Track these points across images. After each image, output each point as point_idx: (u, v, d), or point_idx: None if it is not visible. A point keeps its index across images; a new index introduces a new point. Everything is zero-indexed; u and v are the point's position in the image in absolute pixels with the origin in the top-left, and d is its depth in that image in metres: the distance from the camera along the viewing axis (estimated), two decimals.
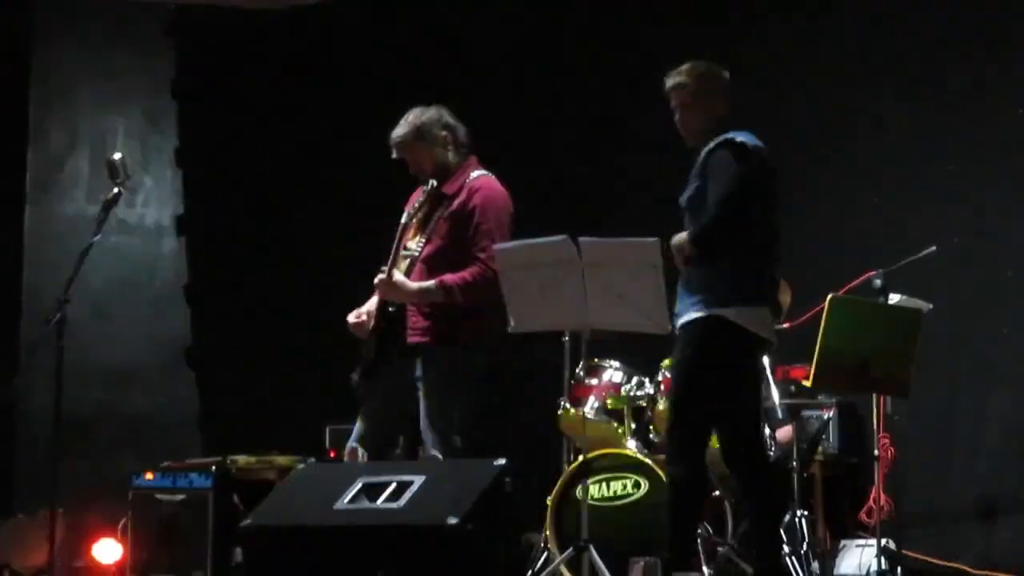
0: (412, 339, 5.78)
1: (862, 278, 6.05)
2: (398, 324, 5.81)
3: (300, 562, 4.82)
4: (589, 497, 5.75)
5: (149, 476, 7.04)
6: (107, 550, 7.55)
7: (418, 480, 4.84)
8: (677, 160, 5.47)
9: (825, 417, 6.61)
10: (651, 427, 6.34)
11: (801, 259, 6.63)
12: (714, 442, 5.37)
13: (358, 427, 5.86)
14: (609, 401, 6.40)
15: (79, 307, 6.33)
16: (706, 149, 5.24)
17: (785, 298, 6.07)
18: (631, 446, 6.25)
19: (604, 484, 6.12)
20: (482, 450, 5.43)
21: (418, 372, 5.77)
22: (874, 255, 6.30)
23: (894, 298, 5.96)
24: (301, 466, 5.52)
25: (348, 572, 4.75)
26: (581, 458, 5.78)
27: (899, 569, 5.95)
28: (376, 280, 5.77)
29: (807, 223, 6.93)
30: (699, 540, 5.59)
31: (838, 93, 7.32)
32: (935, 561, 6.64)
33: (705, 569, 5.72)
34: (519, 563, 6.17)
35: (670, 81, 5.40)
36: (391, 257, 5.78)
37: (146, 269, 8.96)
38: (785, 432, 6.29)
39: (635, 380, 6.44)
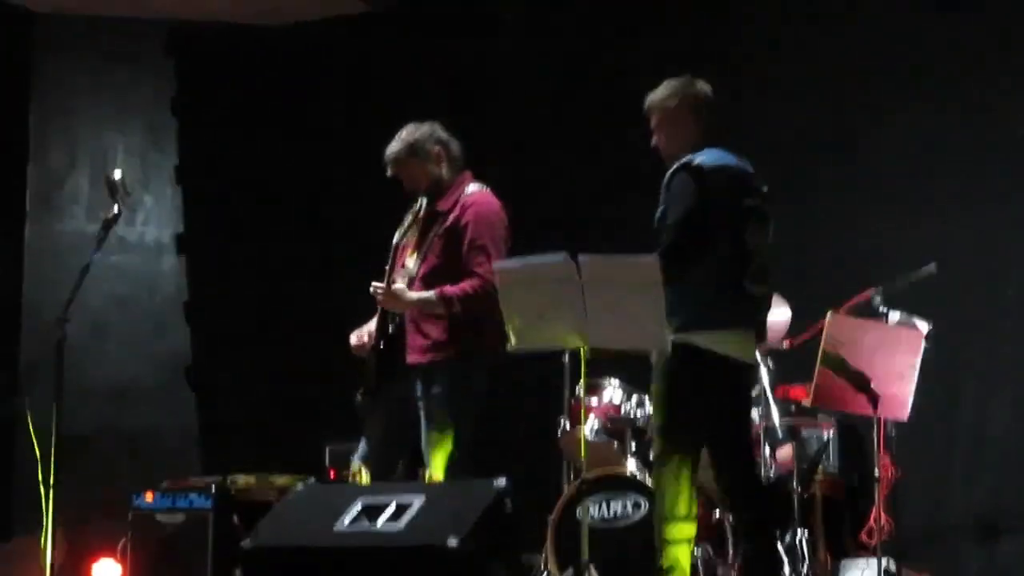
0: (412, 358, 5.78)
1: (862, 295, 6.03)
2: (398, 343, 5.81)
3: None
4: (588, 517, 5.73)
5: (149, 498, 7.03)
6: (107, 570, 7.53)
7: (418, 501, 4.80)
8: None
9: (825, 437, 6.58)
10: (651, 447, 6.32)
11: (801, 276, 6.65)
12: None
13: (362, 446, 5.87)
14: (609, 423, 6.39)
15: (79, 325, 6.31)
16: (669, 172, 5.24)
17: (780, 315, 6.04)
18: (631, 466, 6.23)
19: (604, 504, 6.10)
20: (482, 469, 5.42)
21: (418, 391, 5.78)
22: (875, 272, 6.29)
23: (894, 316, 5.94)
24: (300, 486, 5.50)
25: None
26: (581, 478, 5.77)
27: None
28: (372, 289, 5.76)
29: (807, 239, 6.93)
30: (699, 562, 5.58)
31: (839, 108, 7.31)
32: None
33: None
34: None
35: (645, 102, 5.39)
36: (386, 275, 5.77)
37: (146, 287, 8.94)
38: (785, 452, 6.27)
39: (635, 398, 6.42)
